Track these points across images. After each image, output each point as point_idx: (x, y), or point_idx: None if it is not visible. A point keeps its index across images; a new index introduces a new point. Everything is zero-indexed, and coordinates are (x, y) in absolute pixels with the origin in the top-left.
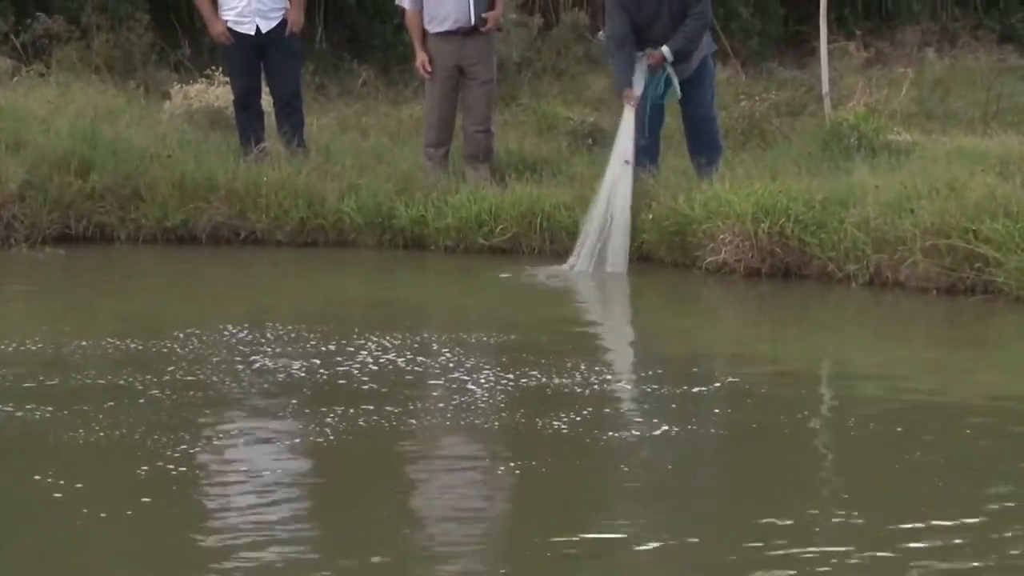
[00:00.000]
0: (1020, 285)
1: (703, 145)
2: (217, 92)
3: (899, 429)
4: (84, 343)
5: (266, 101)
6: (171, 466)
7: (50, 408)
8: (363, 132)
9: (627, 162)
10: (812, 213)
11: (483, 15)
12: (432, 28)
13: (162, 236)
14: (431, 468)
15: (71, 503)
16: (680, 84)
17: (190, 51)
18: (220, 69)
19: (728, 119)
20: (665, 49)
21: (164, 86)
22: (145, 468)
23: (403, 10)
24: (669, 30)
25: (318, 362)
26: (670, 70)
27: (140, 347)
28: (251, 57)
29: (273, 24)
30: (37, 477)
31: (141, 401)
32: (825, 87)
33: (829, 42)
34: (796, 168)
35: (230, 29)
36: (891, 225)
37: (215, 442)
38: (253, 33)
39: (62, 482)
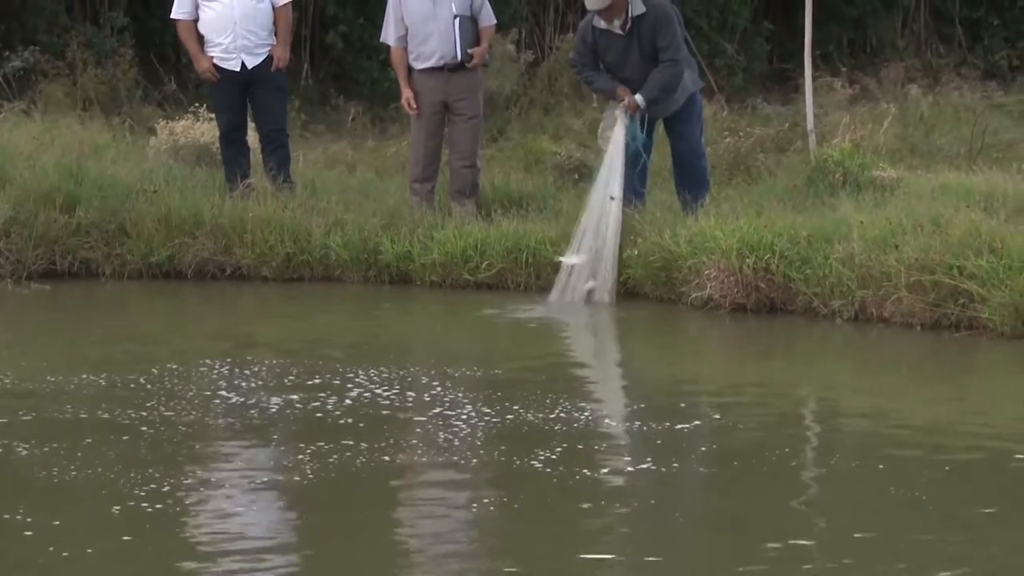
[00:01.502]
0: (1004, 321)
1: (690, 181)
2: (203, 128)
3: (883, 465)
4: (65, 379)
5: (252, 137)
6: (145, 504)
7: (25, 445)
8: (349, 167)
9: (612, 198)
10: (797, 249)
11: (469, 51)
12: (418, 65)
13: (147, 272)
14: (414, 505)
15: (41, 541)
16: (668, 119)
17: (176, 87)
18: (206, 105)
19: (713, 155)
20: (639, 97)
21: (150, 122)
22: (119, 507)
23: (388, 47)
24: (642, 71)
25: (301, 397)
26: (636, 119)
27: (122, 383)
28: (237, 93)
29: (259, 60)
30: (7, 515)
31: (121, 437)
32: (810, 123)
33: (814, 78)
34: (781, 204)
35: (216, 65)
36: (876, 261)
37: (193, 479)
38: (239, 69)
39: (30, 519)
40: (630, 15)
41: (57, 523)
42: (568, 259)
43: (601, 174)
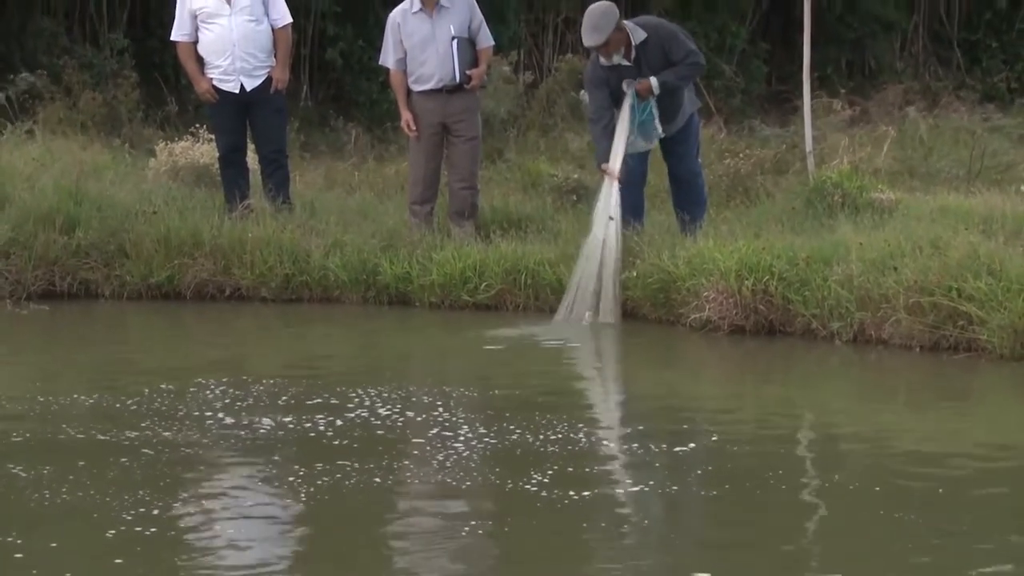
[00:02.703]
0: (1003, 343)
1: (688, 201)
2: (202, 149)
3: (882, 488)
4: (62, 399)
5: (251, 158)
6: (139, 527)
7: (18, 466)
8: (348, 189)
9: (611, 218)
10: (796, 271)
11: (467, 72)
12: (416, 87)
13: (147, 292)
14: (409, 527)
15: (34, 564)
16: (665, 141)
17: (176, 108)
18: (205, 126)
19: (712, 176)
20: (654, 80)
21: (149, 143)
22: (112, 530)
23: (387, 69)
24: (658, 96)
25: (298, 418)
26: (654, 110)
27: (119, 403)
28: (236, 114)
29: (258, 82)
30: None
31: (118, 459)
32: (809, 145)
33: (812, 100)
34: (780, 226)
35: (215, 87)
36: (875, 283)
37: (187, 501)
38: (238, 91)
39: (20, 541)
40: (633, 44)
41: (53, 545)
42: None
43: (601, 199)
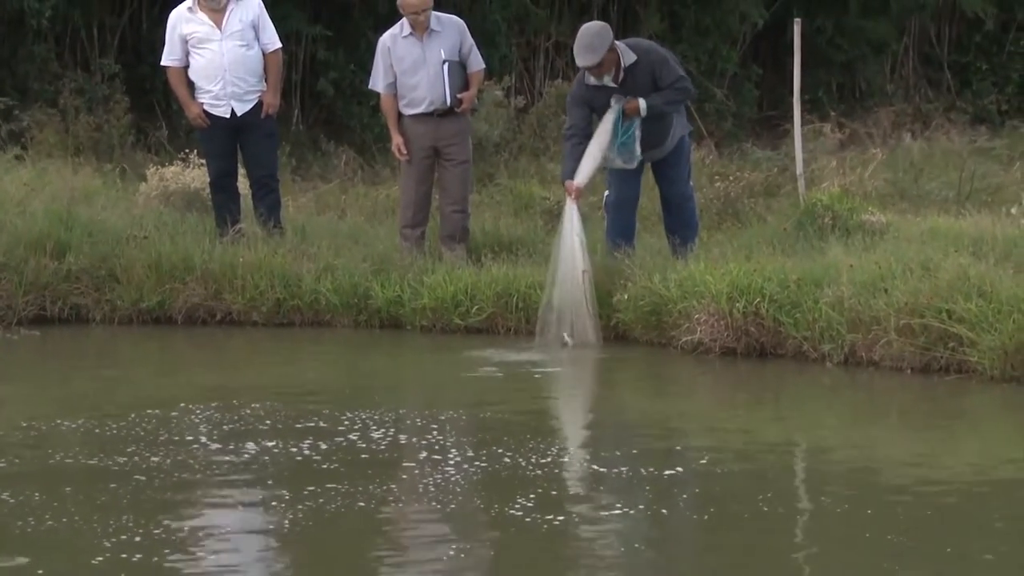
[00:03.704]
0: (994, 364)
1: (679, 224)
2: (193, 174)
3: (872, 511)
4: (51, 425)
5: (242, 182)
6: (124, 554)
7: (6, 492)
8: (340, 213)
9: (585, 271)
10: (787, 293)
11: (458, 96)
12: (407, 111)
13: (138, 317)
14: (398, 552)
15: None
16: (657, 164)
17: (167, 133)
18: (196, 151)
19: (703, 199)
20: (642, 102)
21: (141, 168)
22: (100, 557)
23: (378, 92)
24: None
25: (289, 443)
26: (637, 131)
27: (109, 429)
28: (227, 139)
29: (248, 107)
30: None
31: (108, 484)
32: (799, 168)
33: (803, 123)
34: (771, 248)
35: (206, 112)
36: (865, 305)
37: (177, 527)
38: (229, 116)
39: (4, 565)
40: (622, 66)
41: (40, 572)
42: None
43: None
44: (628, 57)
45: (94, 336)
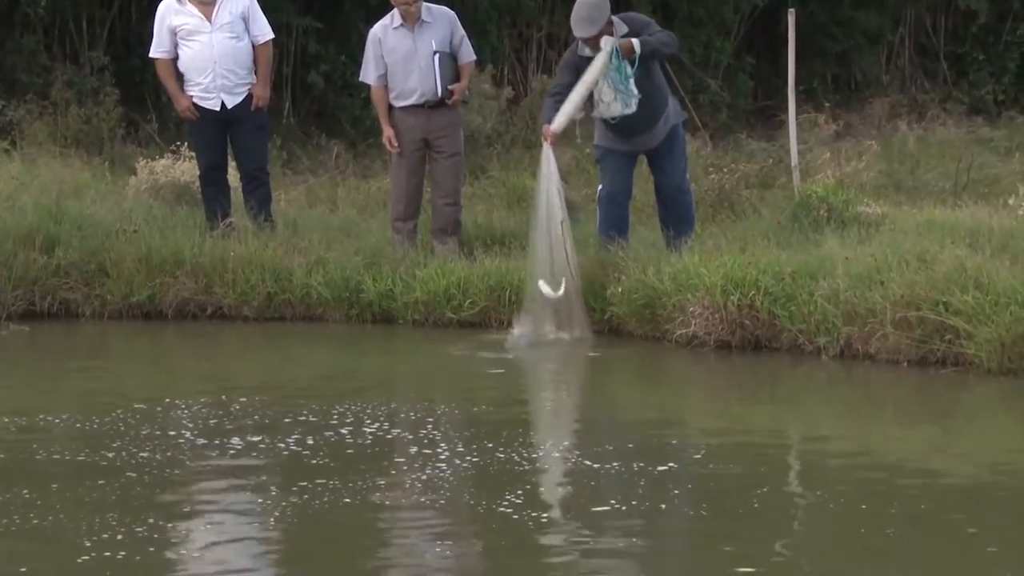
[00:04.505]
0: (990, 357)
1: (675, 218)
2: (183, 167)
3: (868, 505)
4: (39, 421)
5: (233, 176)
6: (108, 552)
7: None
8: (331, 206)
9: (563, 221)
10: (782, 285)
11: (449, 87)
12: (398, 103)
13: (128, 312)
14: (389, 548)
15: None
16: (650, 155)
17: (157, 126)
18: (186, 144)
19: (698, 191)
20: (636, 41)
21: (130, 161)
22: (85, 556)
23: (369, 85)
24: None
25: (280, 438)
26: (630, 70)
27: (98, 425)
28: (217, 132)
29: (238, 99)
30: None
31: (94, 481)
32: (794, 159)
33: (798, 114)
34: (766, 240)
35: (195, 104)
36: (861, 297)
37: (166, 524)
38: (219, 108)
39: None
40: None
41: (23, 570)
42: (546, 288)
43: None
44: (621, 30)
45: (84, 331)
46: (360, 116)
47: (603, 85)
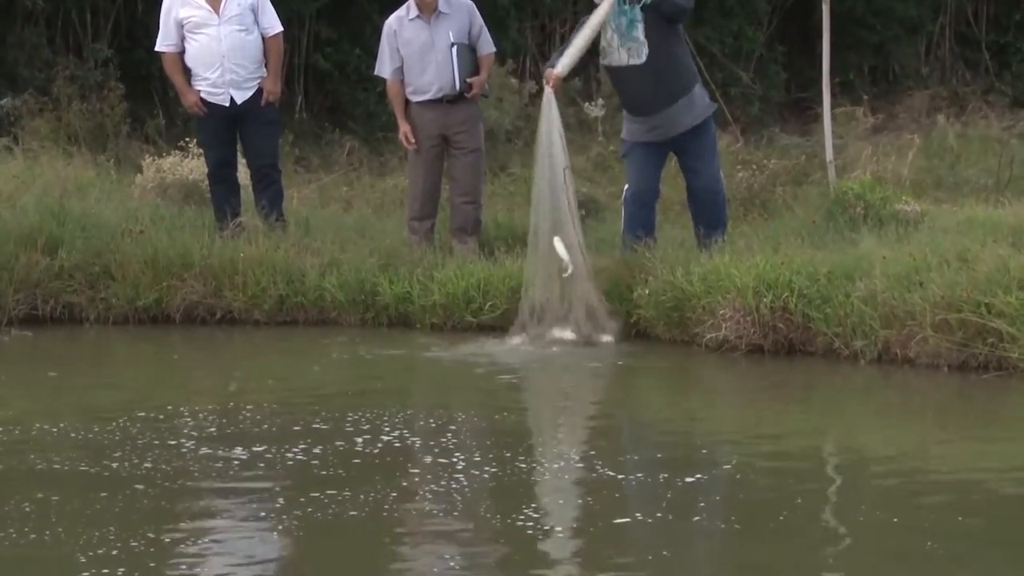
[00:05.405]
0: None
1: (706, 218)
2: (191, 165)
3: (904, 518)
4: (41, 431)
5: (243, 173)
6: (106, 569)
7: None
8: (345, 205)
9: (566, 168)
10: (817, 287)
11: (468, 81)
12: (415, 97)
13: (134, 316)
14: (404, 559)
15: None
16: (681, 154)
17: (164, 121)
18: (195, 140)
19: (728, 188)
20: None
21: (136, 159)
22: (86, 572)
23: (384, 79)
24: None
25: (291, 447)
26: (640, 13)
27: (102, 433)
28: (226, 128)
29: (248, 94)
30: None
31: (97, 493)
32: (829, 154)
33: (833, 107)
34: (799, 240)
35: (204, 100)
36: (899, 299)
37: (172, 537)
38: (227, 104)
39: None
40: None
41: None
42: (560, 246)
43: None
44: None
45: (88, 336)
46: (375, 111)
47: (609, 31)
